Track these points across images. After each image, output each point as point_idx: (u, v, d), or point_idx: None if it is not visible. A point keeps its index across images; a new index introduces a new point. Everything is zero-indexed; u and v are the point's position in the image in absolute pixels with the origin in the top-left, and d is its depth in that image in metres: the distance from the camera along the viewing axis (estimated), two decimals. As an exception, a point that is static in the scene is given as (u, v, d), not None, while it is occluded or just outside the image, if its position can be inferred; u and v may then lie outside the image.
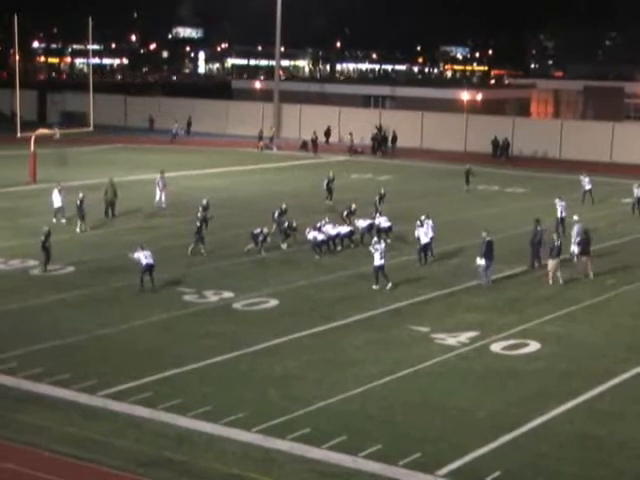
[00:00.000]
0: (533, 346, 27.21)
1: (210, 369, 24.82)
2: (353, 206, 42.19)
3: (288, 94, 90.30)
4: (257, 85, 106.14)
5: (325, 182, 51.23)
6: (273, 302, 31.34)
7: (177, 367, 24.72)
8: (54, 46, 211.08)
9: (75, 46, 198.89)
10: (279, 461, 19.46)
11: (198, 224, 38.16)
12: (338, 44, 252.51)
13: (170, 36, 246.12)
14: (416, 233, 37.07)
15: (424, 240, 36.51)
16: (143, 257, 32.19)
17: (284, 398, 22.75)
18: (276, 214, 40.48)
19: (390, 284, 32.97)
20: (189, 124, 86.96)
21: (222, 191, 52.64)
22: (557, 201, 42.71)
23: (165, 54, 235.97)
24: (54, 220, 42.35)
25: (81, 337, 27.14)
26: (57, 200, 43.23)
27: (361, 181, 60.18)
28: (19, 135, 57.85)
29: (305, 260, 37.11)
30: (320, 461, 19.45)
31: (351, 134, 75.63)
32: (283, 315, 29.99)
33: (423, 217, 36.86)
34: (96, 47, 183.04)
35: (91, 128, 63.77)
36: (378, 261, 33.00)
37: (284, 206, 40.84)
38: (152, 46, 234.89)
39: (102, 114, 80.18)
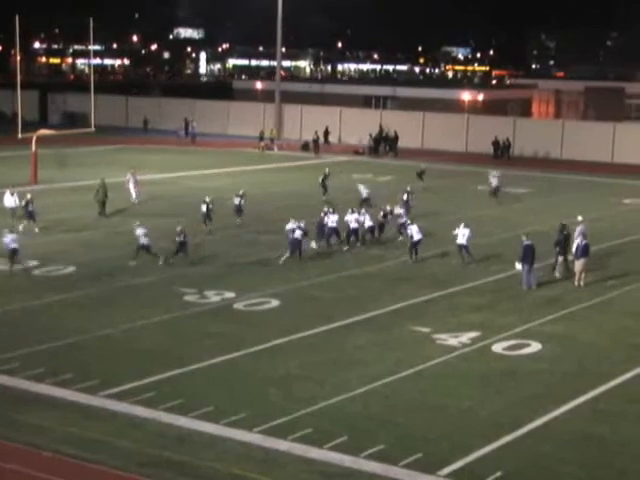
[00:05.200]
0: (534, 346, 27.19)
1: (212, 369, 24.81)
2: (388, 208, 42.08)
3: (289, 94, 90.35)
4: (258, 86, 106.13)
5: (320, 178, 51.68)
6: (275, 302, 31.32)
7: (179, 367, 24.71)
8: (55, 47, 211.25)
9: (76, 46, 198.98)
10: (280, 461, 19.45)
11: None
12: (339, 44, 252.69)
13: (171, 36, 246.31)
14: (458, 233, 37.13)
15: (461, 241, 36.65)
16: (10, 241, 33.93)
17: (286, 398, 22.73)
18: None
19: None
20: (187, 125, 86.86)
21: (222, 191, 52.57)
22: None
23: (166, 55, 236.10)
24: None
25: (82, 337, 27.14)
26: (10, 201, 43.36)
27: (361, 181, 60.02)
28: (20, 136, 57.83)
29: (306, 260, 37.06)
30: (321, 461, 19.43)
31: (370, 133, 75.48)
32: (285, 315, 29.98)
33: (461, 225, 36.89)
34: (97, 47, 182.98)
35: (92, 129, 63.75)
36: (417, 236, 36.44)
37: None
38: (153, 46, 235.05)
39: (103, 115, 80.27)
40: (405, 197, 45.45)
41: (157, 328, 28.36)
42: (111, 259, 37.03)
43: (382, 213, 41.49)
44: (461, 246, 36.65)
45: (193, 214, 43.53)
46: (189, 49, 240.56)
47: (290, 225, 37.07)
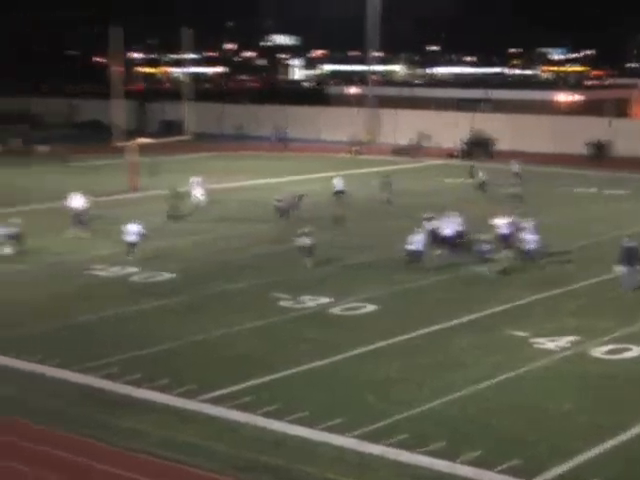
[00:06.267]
0: (635, 351, 26.59)
1: (308, 374, 24.80)
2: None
3: (382, 99, 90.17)
4: (351, 90, 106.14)
5: (381, 180, 52.56)
6: (371, 306, 31.20)
7: (274, 372, 24.74)
8: (152, 56, 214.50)
9: (171, 56, 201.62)
10: (374, 466, 19.34)
11: None
12: (433, 48, 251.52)
13: (265, 44, 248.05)
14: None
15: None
16: None
17: (383, 402, 22.61)
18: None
19: None
20: (281, 131, 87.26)
21: (315, 196, 52.68)
22: None
23: (261, 62, 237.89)
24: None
25: (179, 343, 27.38)
26: (76, 203, 44.72)
27: (454, 185, 59.69)
28: (117, 144, 58.75)
29: (399, 263, 36.83)
30: (416, 466, 19.27)
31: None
32: (381, 319, 29.84)
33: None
34: (193, 56, 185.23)
35: (188, 136, 64.46)
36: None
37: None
38: (248, 54, 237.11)
39: (198, 122, 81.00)
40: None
41: (252, 333, 28.47)
42: (208, 265, 37.35)
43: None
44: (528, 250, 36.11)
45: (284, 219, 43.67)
46: (283, 55, 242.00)
47: (415, 236, 36.13)
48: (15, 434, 20.86)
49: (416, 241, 35.94)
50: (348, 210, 47.75)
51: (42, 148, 75.97)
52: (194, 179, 51.05)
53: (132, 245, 38.47)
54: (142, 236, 38.69)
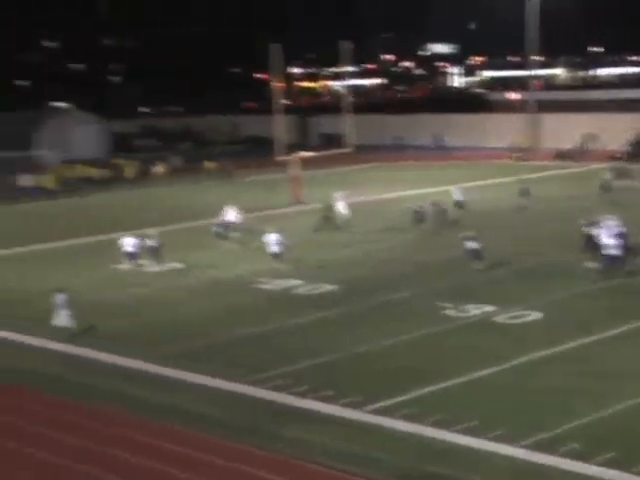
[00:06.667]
0: None
1: (474, 383, 24.51)
2: None
3: (544, 103, 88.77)
4: (512, 96, 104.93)
5: (520, 187, 52.72)
6: (536, 315, 30.65)
7: (440, 382, 24.55)
8: (311, 71, 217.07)
9: (331, 69, 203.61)
10: (544, 476, 18.95)
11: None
12: (595, 49, 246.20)
13: (424, 53, 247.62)
14: None
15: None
16: None
17: (550, 412, 22.14)
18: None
19: None
20: (439, 138, 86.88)
21: (476, 203, 52.20)
22: None
23: (419, 71, 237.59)
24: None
25: (342, 354, 27.47)
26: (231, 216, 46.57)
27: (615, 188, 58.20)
28: (279, 158, 59.61)
29: (561, 269, 36.10)
30: (586, 476, 18.79)
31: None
32: (547, 328, 29.28)
33: None
34: (351, 69, 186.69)
35: (349, 148, 64.88)
36: None
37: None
38: (406, 64, 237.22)
39: (358, 134, 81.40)
40: None
41: (416, 343, 28.32)
42: (370, 275, 37.46)
43: None
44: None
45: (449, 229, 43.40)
46: (442, 64, 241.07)
47: (607, 239, 34.91)
48: (190, 446, 21.32)
49: (612, 246, 34.89)
50: (498, 217, 47.17)
51: (208, 165, 77.62)
52: (337, 194, 51.27)
53: (276, 255, 39.09)
54: (284, 246, 39.27)
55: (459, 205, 50.45)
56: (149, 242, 41.27)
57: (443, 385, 24.39)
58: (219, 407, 23.71)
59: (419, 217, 47.47)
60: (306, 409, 23.26)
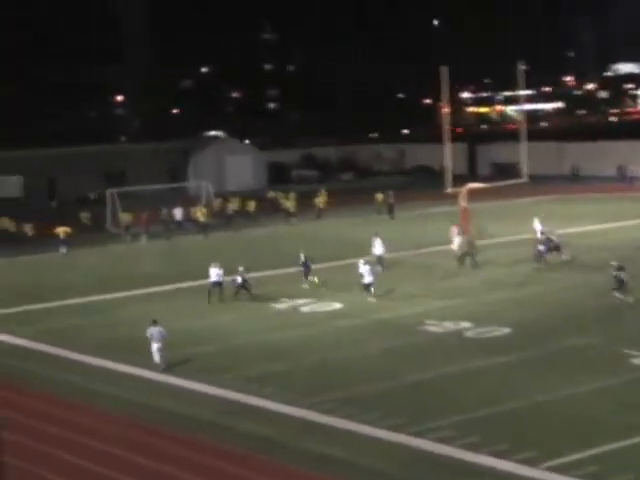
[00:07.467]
0: None
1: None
2: None
3: None
4: None
5: None
6: None
7: (627, 438, 24.00)
8: (484, 94, 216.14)
9: (506, 93, 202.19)
10: None
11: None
12: None
13: (609, 74, 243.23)
14: None
15: None
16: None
17: None
18: None
19: None
20: (624, 169, 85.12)
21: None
22: None
23: (603, 94, 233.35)
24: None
25: (519, 404, 27.17)
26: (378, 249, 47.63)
27: None
28: (448, 190, 59.37)
29: None
30: None
31: None
32: None
33: None
34: (529, 92, 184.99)
35: (525, 179, 64.11)
36: None
37: None
38: (589, 86, 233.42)
39: (534, 163, 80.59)
40: None
41: (602, 394, 27.77)
42: (546, 318, 36.96)
43: None
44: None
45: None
46: (630, 85, 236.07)
47: None
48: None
49: None
50: None
51: (378, 196, 77.20)
52: (453, 228, 51.85)
53: (367, 286, 40.88)
54: (375, 274, 41.37)
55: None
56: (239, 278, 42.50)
57: (630, 442, 23.82)
58: (379, 458, 23.75)
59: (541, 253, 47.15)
60: (478, 464, 23.03)
